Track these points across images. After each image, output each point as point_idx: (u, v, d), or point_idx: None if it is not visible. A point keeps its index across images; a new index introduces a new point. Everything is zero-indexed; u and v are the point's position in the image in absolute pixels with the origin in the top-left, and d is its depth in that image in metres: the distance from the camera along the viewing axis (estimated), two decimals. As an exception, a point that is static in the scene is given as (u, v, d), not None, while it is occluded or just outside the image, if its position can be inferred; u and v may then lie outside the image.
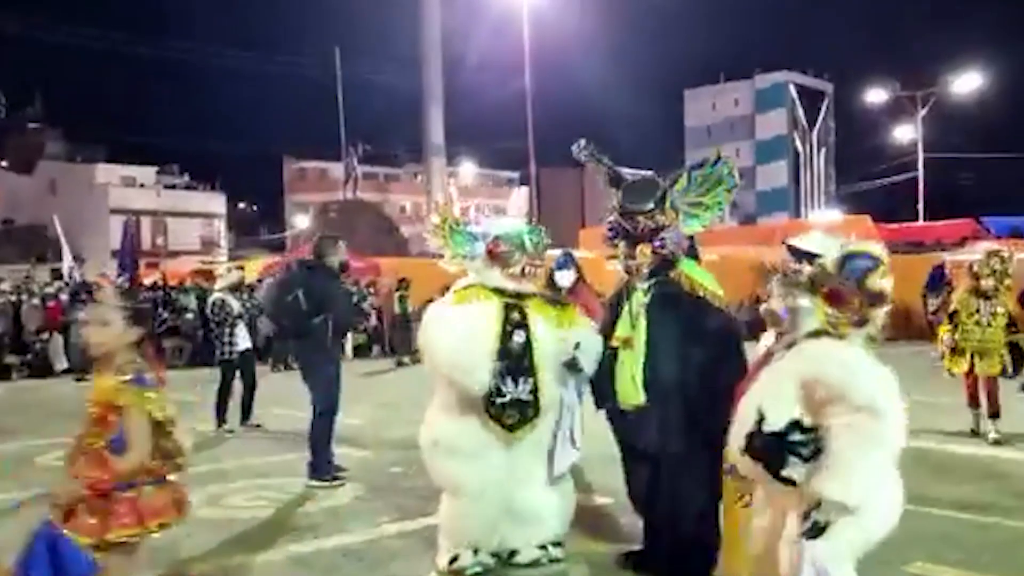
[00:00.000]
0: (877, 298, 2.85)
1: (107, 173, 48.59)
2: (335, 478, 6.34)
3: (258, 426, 9.13)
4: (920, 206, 33.63)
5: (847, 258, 2.88)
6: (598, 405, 4.23)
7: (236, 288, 9.64)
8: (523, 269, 4.14)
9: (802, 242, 3.02)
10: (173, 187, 50.78)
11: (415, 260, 25.22)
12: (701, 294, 3.91)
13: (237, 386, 9.27)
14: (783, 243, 3.07)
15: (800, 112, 69.26)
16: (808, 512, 2.77)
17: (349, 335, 15.54)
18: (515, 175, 56.54)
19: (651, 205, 3.92)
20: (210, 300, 9.70)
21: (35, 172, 52.60)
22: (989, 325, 7.61)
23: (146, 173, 50.57)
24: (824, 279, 2.88)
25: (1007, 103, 57.21)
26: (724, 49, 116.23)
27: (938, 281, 17.87)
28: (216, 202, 51.04)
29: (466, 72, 36.38)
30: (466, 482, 4.07)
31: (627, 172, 4.31)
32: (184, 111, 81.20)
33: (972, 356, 7.66)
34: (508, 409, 3.97)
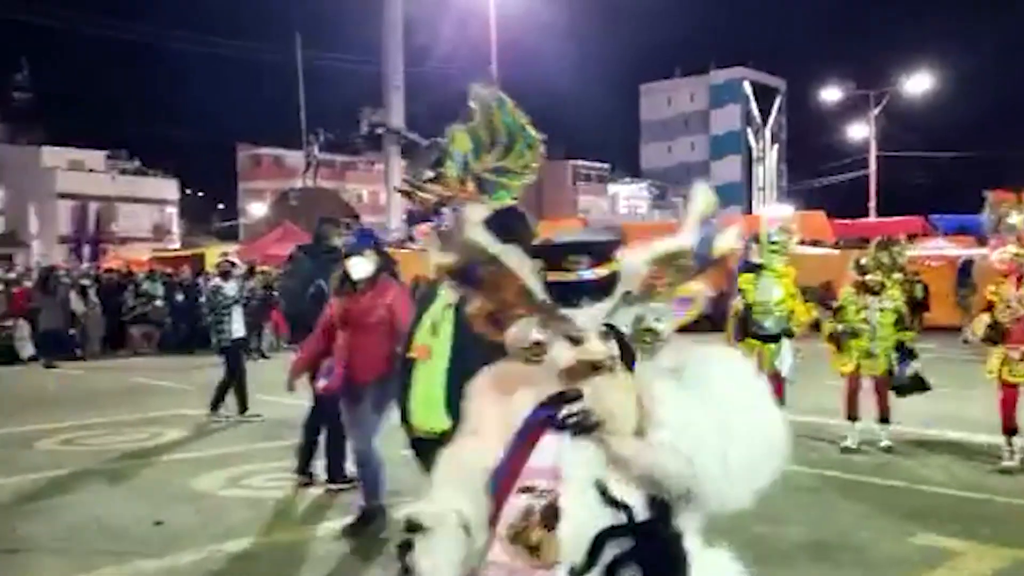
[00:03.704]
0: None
1: (54, 157, 47.37)
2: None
3: (228, 417, 8.94)
4: (872, 203, 34.59)
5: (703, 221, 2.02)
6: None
7: (226, 274, 9.45)
8: None
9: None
10: (124, 172, 49.73)
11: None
12: None
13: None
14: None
15: (754, 108, 70.51)
16: None
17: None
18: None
19: (429, 174, 3.18)
20: (208, 286, 9.69)
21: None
22: (879, 323, 7.03)
23: (95, 157, 49.42)
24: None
25: (956, 104, 58.95)
26: (680, 44, 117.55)
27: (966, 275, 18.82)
28: (169, 188, 50.13)
29: (428, 63, 36.20)
30: None
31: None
32: (133, 94, 79.26)
33: (858, 356, 7.09)
34: None
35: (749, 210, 58.83)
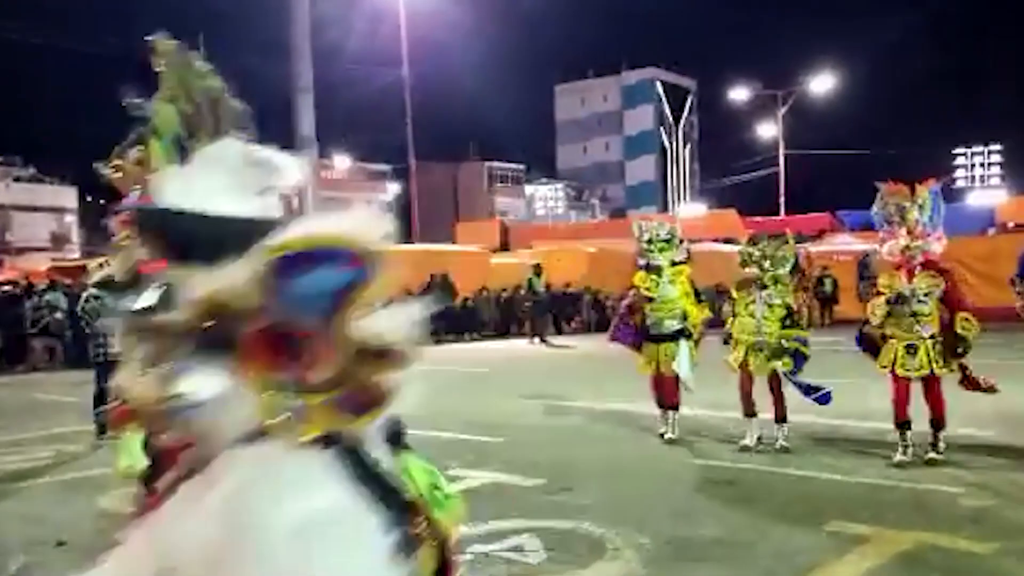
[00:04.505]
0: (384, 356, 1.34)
1: (-60, 165, 45.10)
2: None
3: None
4: (781, 200, 35.65)
5: (285, 264, 1.35)
6: None
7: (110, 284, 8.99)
8: None
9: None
10: (18, 179, 47.62)
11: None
12: None
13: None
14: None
15: (666, 108, 71.88)
16: None
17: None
18: (387, 168, 56.09)
19: (133, 153, 2.72)
20: (83, 297, 9.13)
21: None
22: (765, 317, 6.95)
23: (-14, 164, 47.18)
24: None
25: (860, 103, 61.28)
26: (592, 45, 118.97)
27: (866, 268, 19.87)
28: (67, 196, 48.19)
29: (338, 63, 35.68)
30: None
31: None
32: (26, 97, 75.61)
33: (747, 352, 6.99)
34: None
35: (664, 209, 59.98)
